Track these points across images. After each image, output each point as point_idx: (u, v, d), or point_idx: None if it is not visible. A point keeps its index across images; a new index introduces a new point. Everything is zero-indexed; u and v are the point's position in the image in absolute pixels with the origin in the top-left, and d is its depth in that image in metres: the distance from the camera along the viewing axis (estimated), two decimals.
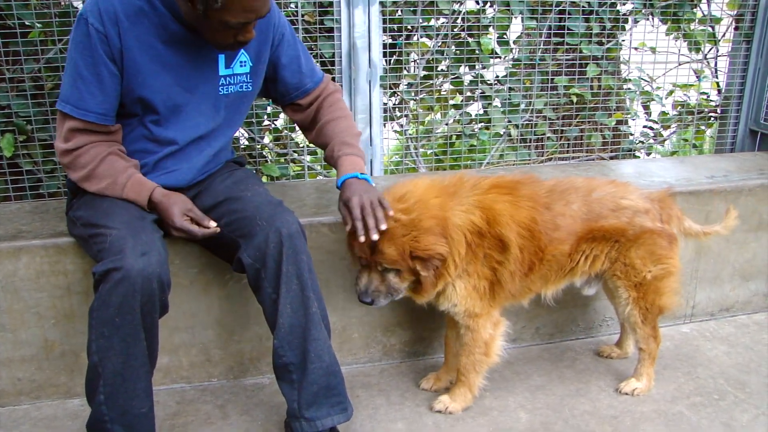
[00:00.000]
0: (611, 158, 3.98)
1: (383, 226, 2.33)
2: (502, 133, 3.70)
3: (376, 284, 2.51)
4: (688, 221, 2.86)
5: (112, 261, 2.15)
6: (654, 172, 3.50)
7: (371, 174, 3.51)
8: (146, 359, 2.26)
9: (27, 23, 3.16)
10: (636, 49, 3.79)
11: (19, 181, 3.25)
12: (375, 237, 2.31)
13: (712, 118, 4.05)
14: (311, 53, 3.34)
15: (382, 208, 2.36)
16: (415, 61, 3.53)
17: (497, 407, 2.83)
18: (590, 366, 3.13)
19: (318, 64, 2.86)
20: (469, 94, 3.62)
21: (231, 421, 2.75)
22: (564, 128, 3.78)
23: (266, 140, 3.71)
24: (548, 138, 3.77)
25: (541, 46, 3.55)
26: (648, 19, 3.82)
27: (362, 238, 2.32)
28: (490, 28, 3.53)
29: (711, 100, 4.04)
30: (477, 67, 3.61)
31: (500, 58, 3.63)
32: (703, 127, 4.08)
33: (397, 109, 3.62)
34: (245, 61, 2.54)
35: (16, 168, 3.25)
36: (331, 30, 3.31)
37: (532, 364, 3.13)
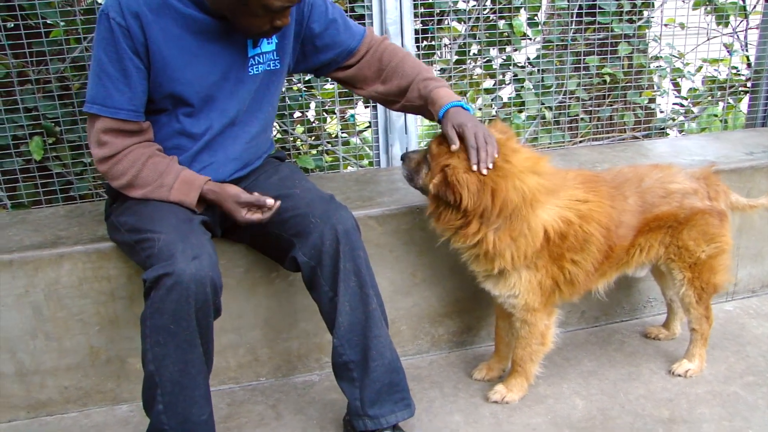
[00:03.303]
0: (644, 137, 3.94)
1: (491, 164, 2.29)
2: (535, 115, 3.65)
3: (417, 159, 2.54)
4: (735, 195, 2.83)
5: (163, 267, 2.09)
6: (691, 150, 3.47)
7: None
8: (203, 365, 2.22)
9: (49, 22, 3.06)
10: (666, 25, 3.74)
11: (49, 184, 3.17)
12: (485, 172, 2.28)
13: (742, 93, 4.02)
14: None
15: (493, 145, 2.33)
16: (446, 45, 3.46)
17: (552, 395, 2.81)
18: (639, 348, 3.11)
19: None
20: (501, 77, 3.56)
21: (285, 421, 2.71)
22: (597, 108, 3.74)
23: (298, 132, 3.64)
24: (581, 119, 3.73)
25: (573, 26, 3.49)
26: None
27: (474, 167, 2.28)
28: (522, 10, 3.47)
29: (741, 74, 4.00)
30: (508, 50, 3.54)
31: (531, 39, 3.56)
32: (732, 102, 4.04)
33: None
34: (271, 39, 2.45)
35: (46, 171, 3.16)
36: (362, 17, 3.23)
37: (581, 349, 3.11)
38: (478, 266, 2.58)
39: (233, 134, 2.50)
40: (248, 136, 2.55)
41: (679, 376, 2.88)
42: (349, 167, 3.65)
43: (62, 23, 3.06)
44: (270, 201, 2.32)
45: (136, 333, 2.74)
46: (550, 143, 3.67)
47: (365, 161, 3.67)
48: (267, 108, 2.59)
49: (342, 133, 3.61)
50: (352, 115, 3.54)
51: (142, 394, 2.23)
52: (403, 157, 2.63)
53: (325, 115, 3.48)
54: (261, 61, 2.46)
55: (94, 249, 2.64)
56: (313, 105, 3.53)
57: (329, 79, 3.41)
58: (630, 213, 2.59)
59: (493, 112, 3.63)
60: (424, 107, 2.54)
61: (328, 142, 3.52)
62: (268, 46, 2.46)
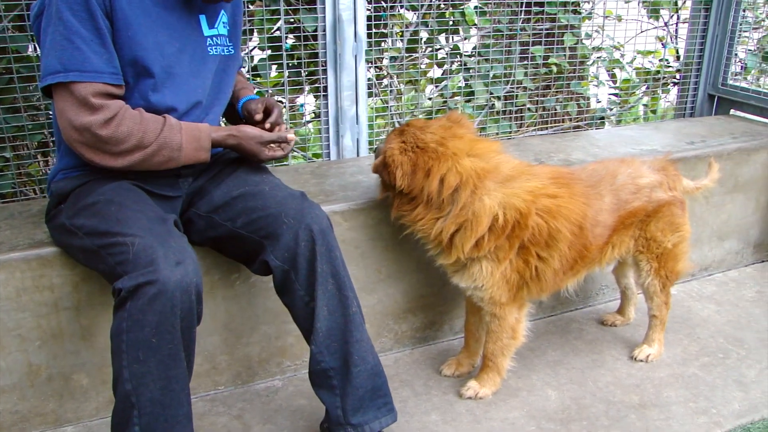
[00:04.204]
0: (587, 126, 4.00)
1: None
2: (484, 105, 3.61)
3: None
4: (685, 180, 2.91)
5: (143, 274, 1.86)
6: (638, 140, 3.56)
7: (357, 155, 3.32)
8: (186, 381, 2.00)
9: None
10: (606, 17, 3.81)
11: None
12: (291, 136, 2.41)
13: (671, 84, 4.17)
14: (293, 27, 3.11)
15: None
16: (399, 32, 3.36)
17: (524, 387, 2.79)
18: (598, 335, 3.15)
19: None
20: (449, 67, 3.50)
21: None
22: (542, 98, 3.76)
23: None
24: (528, 109, 3.73)
25: (522, 16, 3.47)
26: None
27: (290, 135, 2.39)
28: None
29: (670, 66, 4.15)
30: (456, 39, 3.49)
31: (479, 29, 3.52)
32: (660, 93, 4.19)
33: (377, 84, 3.44)
34: (226, 23, 2.33)
35: None
36: (313, 2, 3.07)
37: (543, 339, 3.11)
38: (443, 259, 2.54)
39: (198, 117, 2.30)
40: (215, 118, 2.37)
41: (641, 361, 2.94)
42: (291, 159, 3.48)
43: None
44: (291, 135, 2.33)
45: (83, 346, 2.51)
46: (497, 133, 3.65)
47: (309, 153, 3.51)
48: (227, 91, 2.44)
49: (289, 123, 3.42)
50: (302, 105, 3.36)
51: (112, 417, 1.99)
52: (375, 150, 2.70)
53: None
54: (219, 43, 2.32)
55: (35, 255, 2.34)
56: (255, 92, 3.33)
57: (276, 66, 3.26)
58: (607, 212, 2.60)
59: (442, 102, 3.57)
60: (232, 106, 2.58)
61: None
62: (224, 29, 2.33)
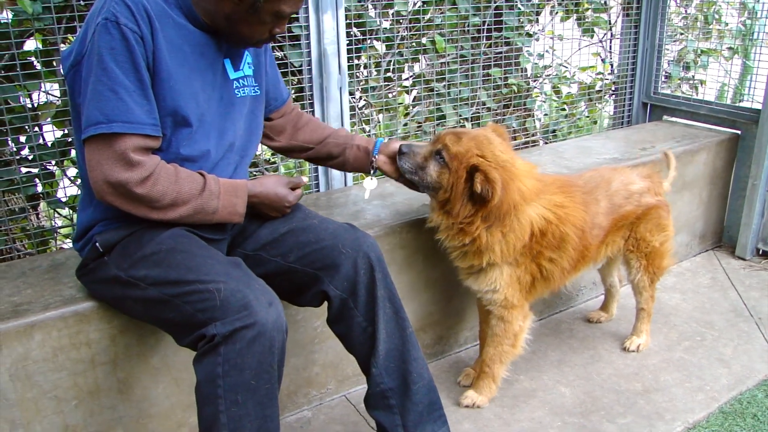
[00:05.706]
0: (541, 140, 4.28)
1: None
2: (454, 126, 3.80)
3: (423, 154, 2.54)
4: (665, 183, 3.21)
5: (239, 319, 1.89)
6: (596, 150, 3.86)
7: (345, 184, 3.41)
8: (279, 418, 2.04)
9: None
10: (552, 38, 4.12)
11: None
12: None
13: (608, 95, 4.55)
14: (279, 63, 3.16)
15: None
16: (375, 63, 3.48)
17: (539, 388, 2.97)
18: (587, 333, 3.40)
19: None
20: (421, 93, 3.67)
21: None
22: (503, 117, 4.00)
23: None
24: None
25: (483, 41, 3.70)
26: (555, 11, 4.17)
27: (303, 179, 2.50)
28: (437, 27, 3.60)
29: (606, 79, 4.52)
30: (424, 66, 3.66)
31: (446, 55, 3.72)
32: (599, 105, 4.56)
33: (359, 113, 3.55)
34: (251, 63, 2.36)
35: None
36: (296, 38, 3.14)
37: (541, 342, 3.32)
38: (465, 262, 2.68)
39: (231, 160, 2.31)
40: (245, 163, 2.40)
41: (633, 351, 3.20)
42: None
43: None
44: (304, 179, 2.40)
45: (120, 400, 2.45)
46: None
47: None
48: (258, 133, 2.46)
49: (274, 156, 3.46)
50: None
51: None
52: (405, 150, 2.58)
53: None
54: (246, 84, 2.33)
55: (72, 312, 2.27)
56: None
57: None
58: (602, 215, 2.85)
59: (416, 126, 3.73)
60: (340, 154, 2.68)
61: (266, 168, 3.36)
62: (249, 69, 2.34)
